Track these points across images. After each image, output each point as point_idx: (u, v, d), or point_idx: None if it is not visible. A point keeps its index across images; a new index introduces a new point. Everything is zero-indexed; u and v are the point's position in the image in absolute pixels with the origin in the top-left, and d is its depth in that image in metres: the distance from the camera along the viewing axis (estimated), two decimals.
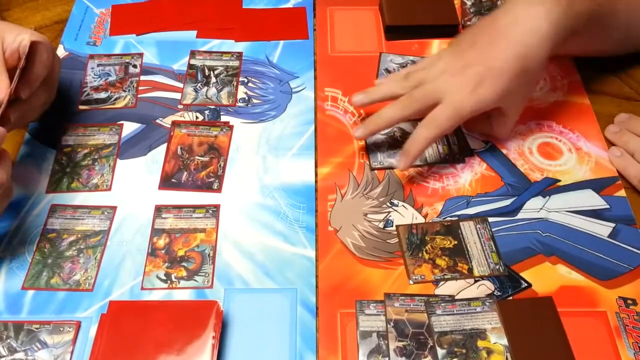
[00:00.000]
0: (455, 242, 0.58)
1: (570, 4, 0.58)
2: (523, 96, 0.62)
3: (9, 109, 0.56)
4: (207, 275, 0.56)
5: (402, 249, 0.57)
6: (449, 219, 0.59)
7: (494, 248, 0.57)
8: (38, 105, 0.62)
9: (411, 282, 0.55)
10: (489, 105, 0.58)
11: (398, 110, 0.60)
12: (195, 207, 0.60)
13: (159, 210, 0.60)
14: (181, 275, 0.56)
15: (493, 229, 0.58)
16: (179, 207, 0.60)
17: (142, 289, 0.55)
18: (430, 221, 0.59)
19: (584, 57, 0.71)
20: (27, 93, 0.57)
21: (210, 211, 0.60)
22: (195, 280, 0.55)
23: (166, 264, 0.57)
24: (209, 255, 0.57)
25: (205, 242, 0.58)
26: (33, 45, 0.57)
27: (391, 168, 0.63)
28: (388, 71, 0.71)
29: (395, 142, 0.65)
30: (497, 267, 0.56)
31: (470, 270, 0.56)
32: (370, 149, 0.64)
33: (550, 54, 0.58)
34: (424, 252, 0.57)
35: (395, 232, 0.58)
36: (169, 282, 0.55)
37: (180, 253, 0.57)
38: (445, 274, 0.55)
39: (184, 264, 0.56)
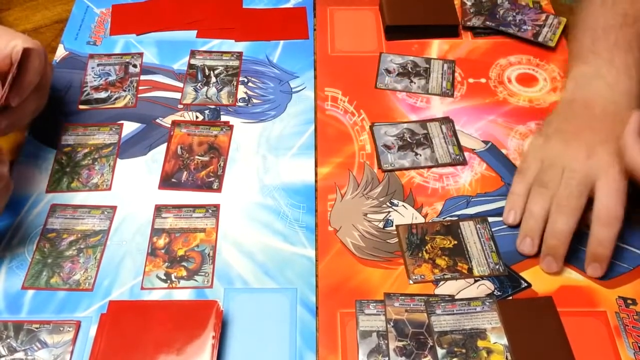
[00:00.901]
0: (455, 242, 0.58)
1: (636, 70, 0.61)
2: None
3: None
4: (207, 275, 0.56)
5: (402, 248, 0.57)
6: (448, 218, 0.59)
7: (493, 248, 0.57)
8: (29, 112, 0.60)
9: (411, 281, 0.55)
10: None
11: (568, 217, 0.55)
12: (195, 207, 0.60)
13: (159, 209, 0.60)
14: (181, 275, 0.56)
15: (493, 229, 0.58)
16: (179, 207, 0.60)
17: (142, 288, 0.55)
18: (430, 221, 0.59)
19: None
20: (18, 101, 0.56)
21: (210, 211, 0.60)
22: (195, 280, 0.55)
23: (166, 263, 0.57)
24: (208, 255, 0.57)
25: (205, 242, 0.58)
26: (25, 52, 0.56)
27: (401, 169, 0.63)
28: (388, 71, 0.71)
29: (405, 144, 0.65)
30: (497, 266, 0.56)
31: (470, 270, 0.56)
32: (380, 150, 0.64)
33: None
34: (424, 252, 0.57)
35: (395, 232, 0.58)
36: (168, 281, 0.55)
37: (180, 253, 0.57)
38: (445, 274, 0.55)
39: (183, 263, 0.56)
